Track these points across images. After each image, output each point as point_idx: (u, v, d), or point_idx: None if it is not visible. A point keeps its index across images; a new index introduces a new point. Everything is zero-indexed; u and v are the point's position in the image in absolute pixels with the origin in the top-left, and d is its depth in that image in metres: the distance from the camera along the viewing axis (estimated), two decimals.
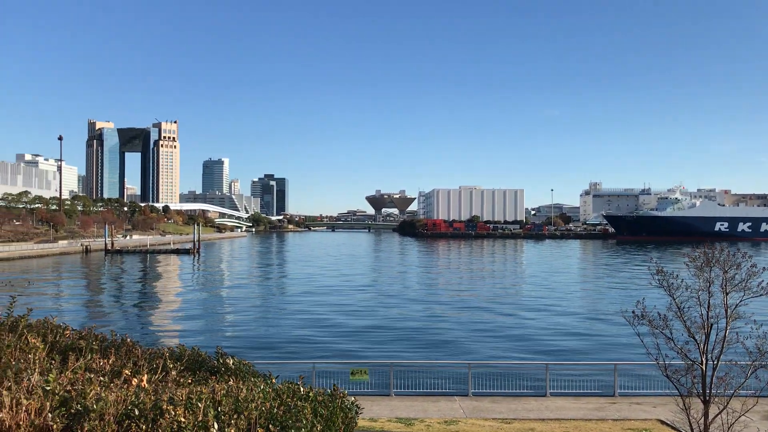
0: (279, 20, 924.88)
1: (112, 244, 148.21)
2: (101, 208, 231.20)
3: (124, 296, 68.66)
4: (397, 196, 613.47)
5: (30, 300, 50.34)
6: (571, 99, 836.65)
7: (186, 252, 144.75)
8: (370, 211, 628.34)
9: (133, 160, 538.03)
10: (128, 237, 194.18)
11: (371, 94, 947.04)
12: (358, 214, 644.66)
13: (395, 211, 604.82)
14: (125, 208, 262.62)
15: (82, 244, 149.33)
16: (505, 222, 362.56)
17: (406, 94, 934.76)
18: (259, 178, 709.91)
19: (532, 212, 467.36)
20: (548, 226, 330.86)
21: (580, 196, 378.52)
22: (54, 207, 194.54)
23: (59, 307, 54.89)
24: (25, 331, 6.15)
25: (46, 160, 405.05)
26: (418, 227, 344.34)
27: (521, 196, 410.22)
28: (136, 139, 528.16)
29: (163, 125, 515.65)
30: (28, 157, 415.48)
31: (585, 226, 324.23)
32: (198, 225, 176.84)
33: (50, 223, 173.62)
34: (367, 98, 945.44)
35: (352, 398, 6.33)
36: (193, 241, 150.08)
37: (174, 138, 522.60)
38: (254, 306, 58.67)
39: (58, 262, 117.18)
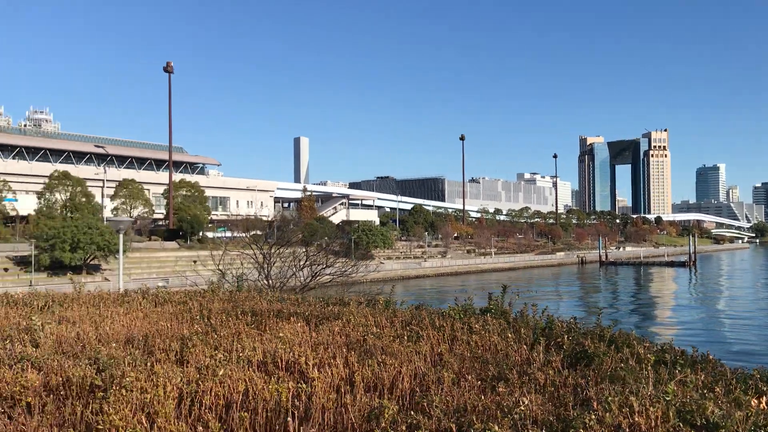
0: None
1: (606, 255, 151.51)
2: (594, 221, 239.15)
3: (629, 309, 69.04)
4: None
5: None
6: None
7: (681, 264, 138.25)
8: None
9: (623, 172, 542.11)
10: (621, 249, 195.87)
11: None
12: None
13: None
14: (617, 220, 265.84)
15: (577, 256, 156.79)
16: None
17: None
18: (762, 183, 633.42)
19: None
20: None
21: None
22: (551, 221, 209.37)
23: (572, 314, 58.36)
24: (636, 345, 6.64)
25: (543, 177, 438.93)
26: None
27: None
28: (626, 151, 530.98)
29: (653, 134, 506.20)
30: (527, 176, 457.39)
31: None
32: (693, 236, 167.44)
33: (548, 235, 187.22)
34: None
35: None
36: (689, 252, 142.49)
37: (664, 147, 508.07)
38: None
39: (557, 272, 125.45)
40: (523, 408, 4.64)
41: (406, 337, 7.25)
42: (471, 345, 6.48)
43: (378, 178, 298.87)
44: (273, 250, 34.13)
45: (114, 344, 5.85)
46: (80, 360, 4.99)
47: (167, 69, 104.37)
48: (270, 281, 30.71)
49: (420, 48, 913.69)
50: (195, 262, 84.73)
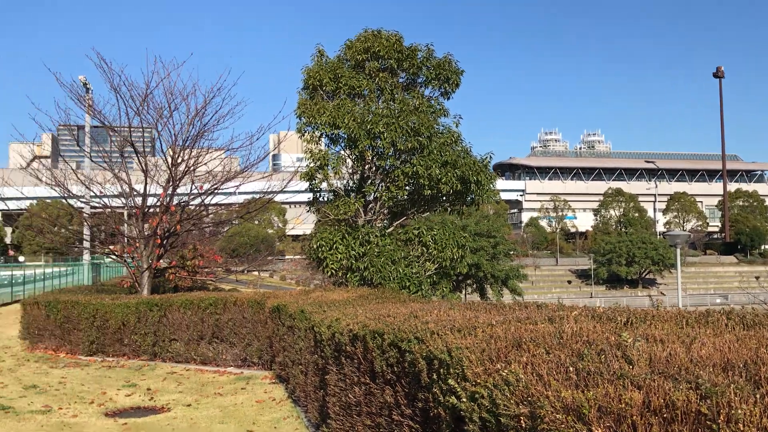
0: None
1: None
2: None
3: None
4: None
5: None
6: None
7: None
8: None
9: None
10: None
11: None
12: None
13: None
14: None
15: None
16: None
17: None
18: None
19: None
20: None
21: None
22: None
23: None
24: None
25: None
26: None
27: None
28: None
29: None
30: None
31: None
32: None
33: None
34: None
35: None
36: None
37: None
38: None
39: None
40: None
41: None
42: None
43: None
44: None
45: (710, 369, 5.41)
46: (679, 383, 4.72)
47: (717, 74, 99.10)
48: None
49: None
50: (758, 278, 77.18)
